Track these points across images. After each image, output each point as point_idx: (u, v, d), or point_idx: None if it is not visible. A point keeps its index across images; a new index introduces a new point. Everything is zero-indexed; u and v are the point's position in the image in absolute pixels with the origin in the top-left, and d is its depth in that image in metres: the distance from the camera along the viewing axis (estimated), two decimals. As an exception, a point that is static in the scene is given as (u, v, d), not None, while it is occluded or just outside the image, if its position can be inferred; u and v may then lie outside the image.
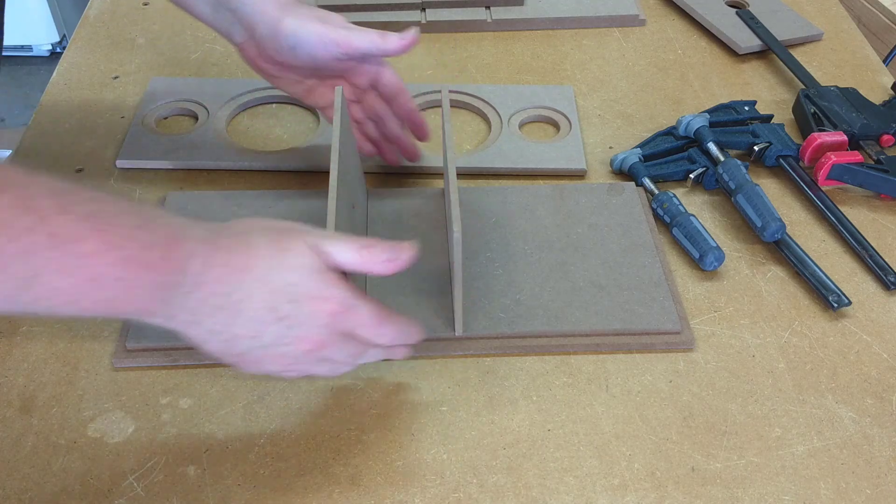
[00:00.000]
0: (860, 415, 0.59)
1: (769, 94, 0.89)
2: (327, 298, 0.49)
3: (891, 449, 0.57)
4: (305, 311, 0.48)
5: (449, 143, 0.60)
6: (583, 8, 0.99)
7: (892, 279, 0.68)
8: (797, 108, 0.84)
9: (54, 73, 0.90)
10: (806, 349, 0.64)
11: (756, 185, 0.72)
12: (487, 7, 0.98)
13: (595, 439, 0.58)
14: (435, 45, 0.95)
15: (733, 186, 0.73)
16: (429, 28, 0.96)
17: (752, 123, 0.81)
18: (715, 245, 0.68)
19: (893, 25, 1.40)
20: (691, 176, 0.76)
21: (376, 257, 0.51)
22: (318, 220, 0.70)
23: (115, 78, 0.89)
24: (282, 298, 0.48)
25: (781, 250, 0.70)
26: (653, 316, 0.64)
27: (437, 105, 0.86)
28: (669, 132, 0.81)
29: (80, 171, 0.78)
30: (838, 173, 0.75)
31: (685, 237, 0.70)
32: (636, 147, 0.80)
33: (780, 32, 0.95)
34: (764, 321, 0.66)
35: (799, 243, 0.70)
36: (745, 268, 0.70)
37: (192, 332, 0.48)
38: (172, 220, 0.47)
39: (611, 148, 0.81)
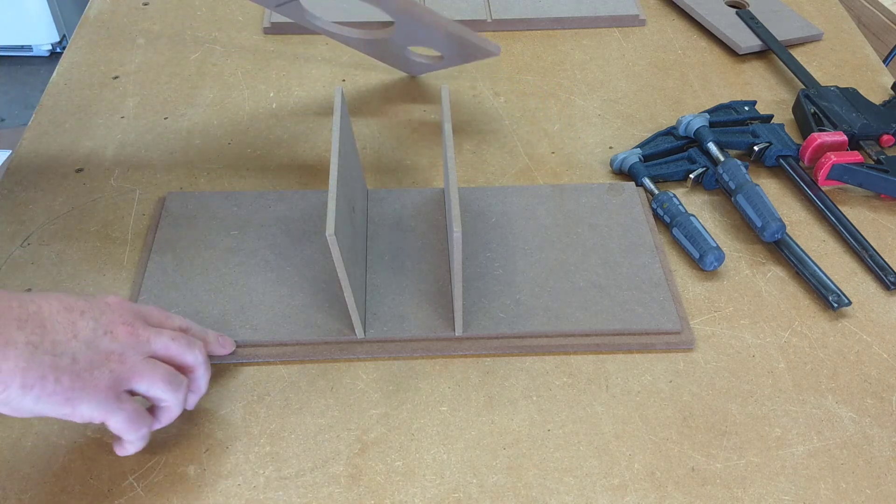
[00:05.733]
0: (860, 415, 0.59)
1: (769, 94, 0.89)
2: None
3: (891, 449, 0.57)
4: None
5: (448, 143, 0.60)
6: (583, 8, 0.99)
7: (892, 279, 0.68)
8: (797, 108, 0.84)
9: (54, 73, 0.90)
10: (806, 349, 0.64)
11: (756, 185, 0.72)
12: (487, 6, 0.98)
13: (595, 439, 0.58)
14: (435, 45, 0.95)
15: (733, 186, 0.73)
16: (429, 28, 0.96)
17: (752, 123, 0.81)
18: (715, 245, 0.68)
19: (893, 25, 1.40)
20: (691, 176, 0.76)
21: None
22: (318, 220, 0.71)
23: (115, 78, 0.89)
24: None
25: (781, 250, 0.70)
26: (653, 316, 0.64)
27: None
28: (669, 132, 0.81)
29: (80, 171, 0.78)
30: (838, 173, 0.75)
31: (685, 237, 0.70)
32: (636, 147, 0.80)
33: (780, 32, 0.95)
34: (764, 321, 0.66)
35: (799, 243, 0.70)
36: (745, 268, 0.70)
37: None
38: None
39: (611, 148, 0.81)
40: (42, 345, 0.47)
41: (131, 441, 0.52)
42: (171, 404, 0.53)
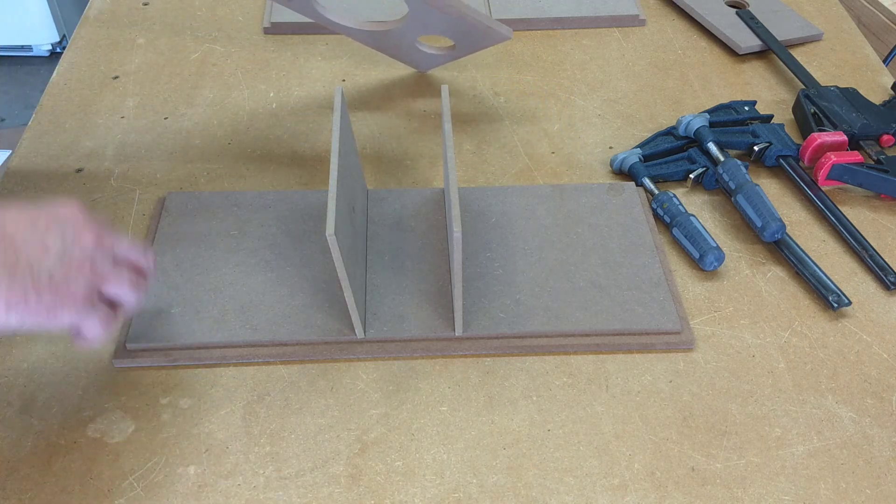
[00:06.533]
0: (860, 415, 0.59)
1: (769, 94, 0.89)
2: (89, 228, 0.52)
3: (891, 449, 0.57)
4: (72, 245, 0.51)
5: (448, 143, 0.60)
6: (583, 8, 0.99)
7: (892, 279, 0.68)
8: (797, 108, 0.84)
9: (54, 73, 0.90)
10: (806, 349, 0.64)
11: (756, 185, 0.72)
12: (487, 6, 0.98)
13: (595, 439, 0.58)
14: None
15: (733, 186, 0.73)
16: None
17: (752, 123, 0.81)
18: (715, 245, 0.68)
19: (893, 25, 1.40)
20: (691, 176, 0.76)
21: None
22: (318, 220, 0.71)
23: (115, 78, 0.89)
24: (51, 238, 0.50)
25: (781, 250, 0.70)
26: (653, 316, 0.64)
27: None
28: (669, 132, 0.81)
29: (80, 171, 0.78)
30: (838, 173, 0.75)
31: (685, 237, 0.70)
32: (636, 147, 0.80)
33: (780, 32, 0.95)
34: (764, 321, 0.66)
35: (799, 243, 0.70)
36: (745, 268, 0.70)
37: None
38: None
39: (611, 148, 0.81)
40: (18, 265, 0.48)
41: (97, 338, 0.54)
42: (132, 303, 0.55)
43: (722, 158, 0.75)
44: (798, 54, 0.94)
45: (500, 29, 0.77)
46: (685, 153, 0.79)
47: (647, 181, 0.75)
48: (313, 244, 0.69)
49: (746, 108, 0.82)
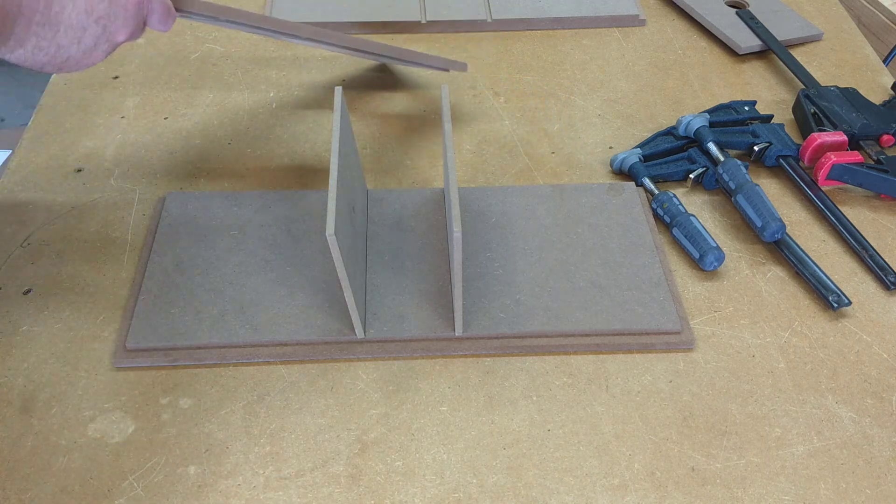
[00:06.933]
0: (860, 415, 0.59)
1: (769, 94, 0.89)
2: None
3: (891, 449, 0.57)
4: (118, 6, 0.54)
5: (448, 143, 0.60)
6: (583, 8, 0.99)
7: (892, 279, 0.68)
8: (797, 108, 0.84)
9: (54, 73, 0.90)
10: (806, 349, 0.64)
11: (756, 185, 0.72)
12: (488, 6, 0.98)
13: (595, 439, 0.58)
14: (435, 45, 0.95)
15: (733, 186, 0.73)
16: (429, 28, 0.96)
17: (752, 123, 0.81)
18: (715, 245, 0.68)
19: (893, 25, 1.40)
20: (691, 176, 0.76)
21: None
22: (318, 220, 0.71)
23: (115, 78, 0.89)
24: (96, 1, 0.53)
25: (781, 250, 0.70)
26: (653, 316, 0.64)
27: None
28: (669, 132, 0.81)
29: (80, 171, 0.78)
30: (838, 173, 0.75)
31: (685, 237, 0.70)
32: (636, 147, 0.80)
33: (780, 32, 0.95)
34: (764, 321, 0.66)
35: (799, 243, 0.70)
36: (745, 268, 0.70)
37: (17, 54, 0.52)
38: None
39: (611, 148, 0.82)
40: (53, 43, 0.52)
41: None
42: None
43: (722, 158, 0.75)
44: (798, 54, 0.94)
45: (454, 66, 0.83)
46: (685, 153, 0.79)
47: (647, 181, 0.75)
48: (313, 244, 0.69)
49: (746, 108, 0.82)
